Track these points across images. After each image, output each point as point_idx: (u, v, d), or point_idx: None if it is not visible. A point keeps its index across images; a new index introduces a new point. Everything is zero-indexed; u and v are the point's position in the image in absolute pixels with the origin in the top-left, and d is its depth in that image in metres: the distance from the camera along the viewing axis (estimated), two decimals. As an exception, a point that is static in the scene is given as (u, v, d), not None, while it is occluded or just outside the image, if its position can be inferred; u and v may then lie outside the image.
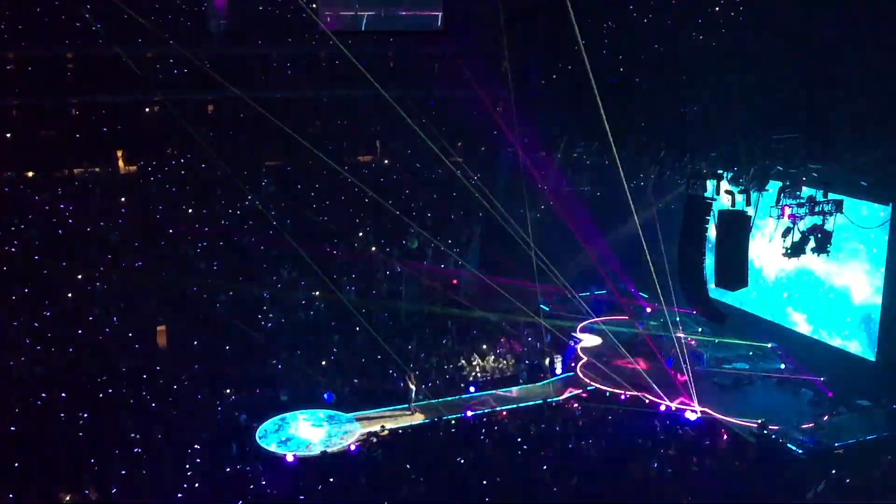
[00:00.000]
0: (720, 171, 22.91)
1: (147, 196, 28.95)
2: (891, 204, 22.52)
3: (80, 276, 26.33)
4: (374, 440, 21.57)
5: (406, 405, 23.35)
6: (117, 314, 25.89)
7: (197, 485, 18.93)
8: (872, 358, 23.94)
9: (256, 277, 28.29)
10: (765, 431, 21.69)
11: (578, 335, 28.56)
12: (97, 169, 29.59)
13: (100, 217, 27.77)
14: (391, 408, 23.35)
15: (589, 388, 24.83)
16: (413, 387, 23.39)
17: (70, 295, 25.87)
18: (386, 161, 33.21)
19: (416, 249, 30.66)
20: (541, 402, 23.61)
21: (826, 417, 22.53)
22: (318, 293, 28.05)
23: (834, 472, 19.32)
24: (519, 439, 21.37)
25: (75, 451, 20.11)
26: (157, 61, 29.09)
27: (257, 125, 29.92)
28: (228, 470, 19.77)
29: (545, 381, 25.32)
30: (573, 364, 26.24)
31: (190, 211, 28.97)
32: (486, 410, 23.19)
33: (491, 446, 20.83)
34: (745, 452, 20.97)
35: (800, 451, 20.86)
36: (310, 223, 29.99)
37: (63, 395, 22.43)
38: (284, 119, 30.47)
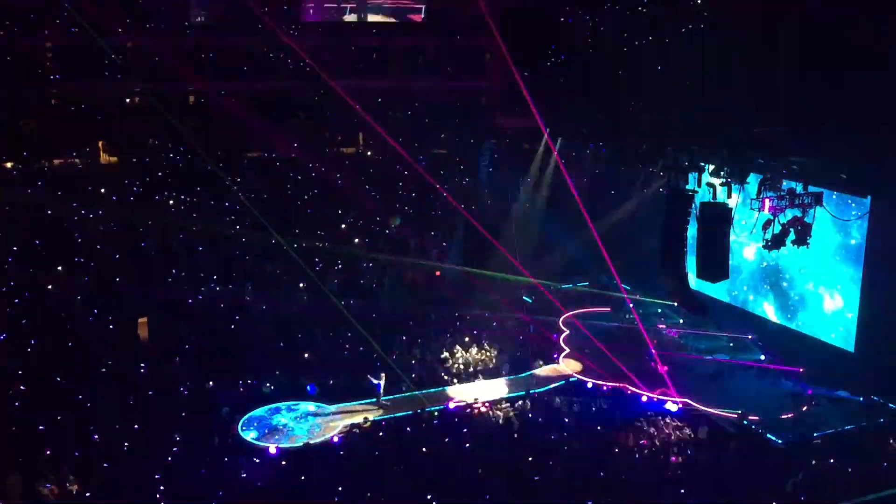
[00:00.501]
0: (702, 164, 23.05)
1: (128, 187, 28.76)
2: (869, 197, 22.71)
3: (60, 268, 26.15)
4: (357, 431, 21.59)
5: (374, 399, 23.11)
6: (98, 306, 25.75)
7: (179, 477, 18.86)
8: (851, 349, 24.20)
9: (239, 269, 28.20)
10: (744, 422, 21.90)
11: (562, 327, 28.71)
12: (77, 160, 29.34)
13: (80, 208, 27.56)
14: (374, 400, 23.33)
15: (571, 379, 24.94)
16: (382, 381, 23.06)
17: (50, 287, 25.69)
18: (369, 153, 33.16)
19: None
20: (523, 393, 23.69)
21: (805, 408, 22.76)
22: (302, 285, 28.01)
23: (813, 462, 19.55)
24: (501, 431, 21.48)
25: (56, 443, 19.98)
26: (138, 51, 28.85)
27: (239, 116, 29.88)
28: (210, 462, 19.71)
29: (528, 373, 25.42)
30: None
31: (171, 202, 28.82)
32: (468, 402, 23.24)
33: (473, 438, 20.88)
34: (725, 443, 21.13)
35: (779, 442, 21.07)
36: (293, 215, 29.96)
37: (44, 387, 22.26)
38: (266, 110, 30.54)
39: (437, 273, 30.62)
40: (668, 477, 19.31)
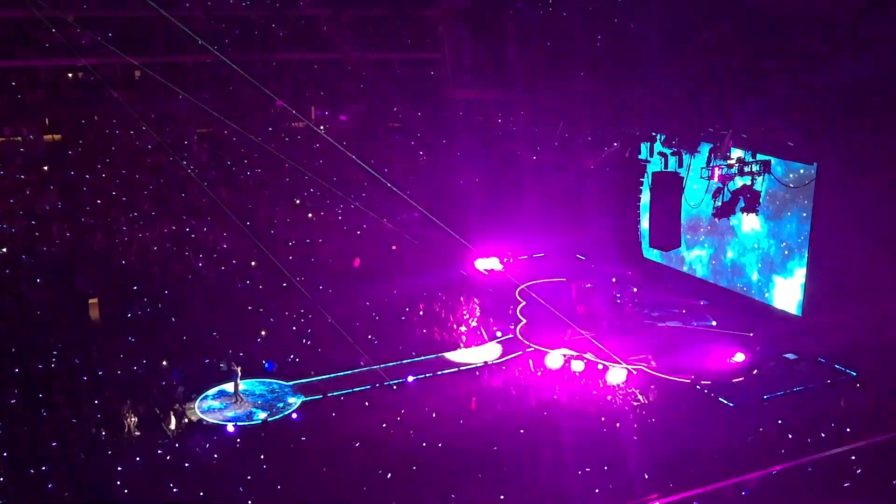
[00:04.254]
0: (654, 134, 23.30)
1: (73, 164, 28.05)
2: (815, 164, 23.19)
3: (4, 250, 25.49)
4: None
5: (232, 392, 22.28)
6: (46, 287, 25.18)
7: (135, 457, 18.66)
8: (799, 313, 24.82)
9: (191, 246, 27.77)
10: (697, 386, 22.35)
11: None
12: (19, 137, 28.50)
13: (24, 186, 26.85)
14: (334, 375, 23.25)
15: (528, 349, 25.14)
16: (237, 370, 22.17)
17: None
18: (321, 126, 32.76)
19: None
20: (482, 364, 23.83)
21: (755, 371, 23.29)
22: (254, 263, 27.73)
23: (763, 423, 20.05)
24: (461, 402, 21.62)
25: (6, 427, 19.62)
26: (79, 25, 27.97)
27: (187, 91, 29.18)
28: (167, 441, 19.52)
29: (486, 344, 25.58)
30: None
31: (118, 180, 28.19)
32: (427, 375, 23.29)
33: (433, 410, 20.98)
34: (678, 406, 21.53)
35: (731, 404, 21.57)
36: (244, 190, 29.57)
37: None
38: (215, 85, 29.94)
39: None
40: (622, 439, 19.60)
